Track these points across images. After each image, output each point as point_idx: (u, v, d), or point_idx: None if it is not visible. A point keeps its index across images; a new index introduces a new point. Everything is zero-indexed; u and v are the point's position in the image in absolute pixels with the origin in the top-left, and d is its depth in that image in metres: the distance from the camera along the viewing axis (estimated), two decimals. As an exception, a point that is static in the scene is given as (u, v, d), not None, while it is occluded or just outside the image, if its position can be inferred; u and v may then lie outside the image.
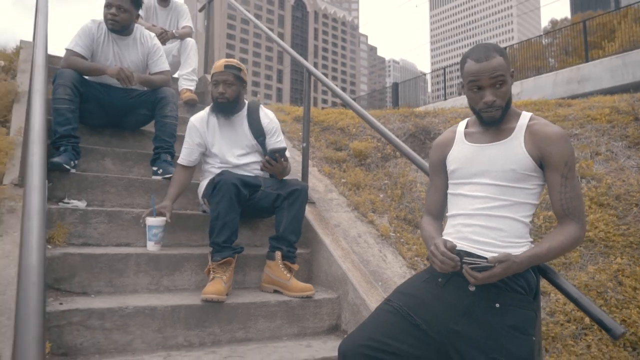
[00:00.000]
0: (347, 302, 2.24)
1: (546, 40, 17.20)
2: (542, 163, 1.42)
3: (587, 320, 2.40)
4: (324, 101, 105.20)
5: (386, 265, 2.91)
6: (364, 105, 24.51)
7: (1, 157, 2.19)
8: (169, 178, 2.70)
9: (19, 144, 2.29)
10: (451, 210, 1.56)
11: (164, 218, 2.29)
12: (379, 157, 4.30)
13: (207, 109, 2.60)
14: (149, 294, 2.09)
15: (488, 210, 1.43)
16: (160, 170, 2.76)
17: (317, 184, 3.75)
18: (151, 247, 2.23)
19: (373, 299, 2.16)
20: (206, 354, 1.86)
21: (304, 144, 2.84)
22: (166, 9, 4.13)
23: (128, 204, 2.60)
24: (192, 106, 3.87)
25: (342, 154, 4.20)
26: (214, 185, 2.23)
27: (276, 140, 2.61)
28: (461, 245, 1.42)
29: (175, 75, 4.05)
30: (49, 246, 2.06)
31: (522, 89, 11.29)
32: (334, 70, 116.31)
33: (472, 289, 1.35)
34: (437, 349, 1.35)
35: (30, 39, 3.83)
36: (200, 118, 2.55)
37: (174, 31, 3.95)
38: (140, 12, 4.04)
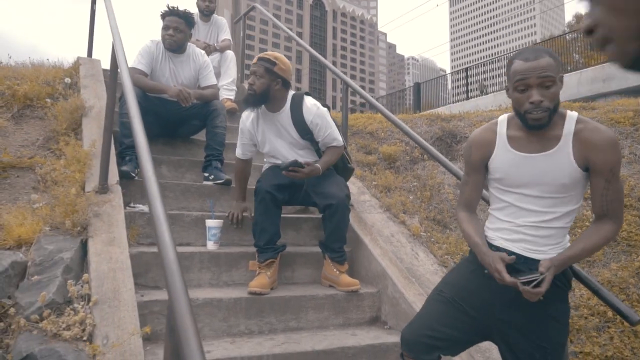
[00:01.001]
0: (387, 295, 2.48)
1: (570, 36, 17.01)
2: (587, 167, 1.43)
3: (610, 313, 2.58)
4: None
5: (419, 262, 3.13)
6: (383, 104, 24.55)
7: (80, 167, 2.49)
8: (220, 183, 2.98)
9: (94, 155, 2.59)
10: (497, 212, 1.58)
11: (222, 220, 2.56)
12: (407, 160, 4.51)
13: (249, 115, 2.65)
14: (211, 288, 2.36)
15: (538, 223, 1.48)
16: (212, 177, 3.04)
17: (350, 186, 3.97)
18: (210, 246, 2.51)
19: (411, 293, 2.39)
20: (265, 340, 2.12)
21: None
22: (207, 23, 4.42)
23: (184, 207, 2.89)
24: (233, 114, 4.15)
25: (372, 157, 4.42)
26: (255, 189, 2.47)
27: (324, 135, 2.52)
28: (507, 246, 1.52)
29: (217, 84, 4.34)
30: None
31: (545, 88, 11.25)
32: (353, 68, 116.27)
33: None
34: (483, 334, 1.56)
35: (84, 54, 4.18)
36: (247, 117, 2.59)
37: (215, 45, 4.24)
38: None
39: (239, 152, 2.72)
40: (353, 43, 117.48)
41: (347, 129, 3.12)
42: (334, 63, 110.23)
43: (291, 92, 2.56)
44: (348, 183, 4.04)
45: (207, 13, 4.35)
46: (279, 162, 2.58)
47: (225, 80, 4.25)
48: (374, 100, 2.96)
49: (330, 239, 2.51)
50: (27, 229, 1.99)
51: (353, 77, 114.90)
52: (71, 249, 1.96)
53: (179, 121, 3.20)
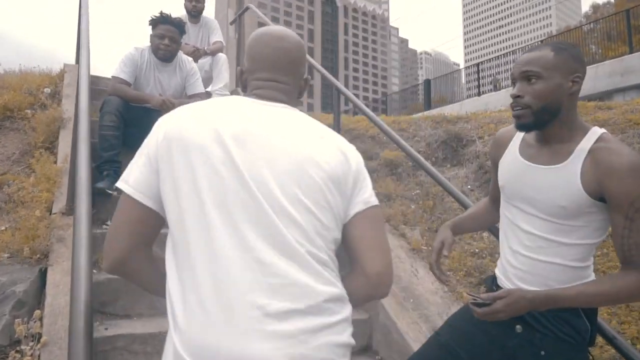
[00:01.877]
0: (378, 323, 2.27)
1: (587, 27, 16.46)
2: (602, 197, 1.17)
3: None
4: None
5: (418, 281, 2.91)
6: (396, 101, 24.24)
7: (50, 186, 2.34)
8: None
9: (66, 172, 2.44)
10: (500, 230, 1.41)
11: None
12: (410, 166, 4.28)
13: None
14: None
15: (534, 253, 1.26)
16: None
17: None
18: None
19: (404, 322, 2.18)
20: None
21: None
22: (197, 25, 4.24)
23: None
24: (225, 121, 3.97)
25: (372, 163, 4.21)
26: None
27: None
28: (504, 286, 1.33)
29: (209, 89, 4.16)
30: (95, 271, 2.19)
31: (560, 83, 10.86)
32: (365, 64, 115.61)
33: (518, 329, 1.25)
34: None
35: (73, 61, 4.04)
36: None
37: (205, 48, 4.06)
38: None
39: None
40: (365, 39, 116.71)
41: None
42: (346, 59, 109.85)
43: None
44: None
45: (194, 14, 4.17)
46: None
47: (217, 85, 4.07)
48: (361, 105, 2.76)
49: None
50: (-20, 259, 1.84)
51: (365, 73, 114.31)
52: (27, 280, 1.81)
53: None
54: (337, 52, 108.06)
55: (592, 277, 1.29)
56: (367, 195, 0.99)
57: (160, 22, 2.93)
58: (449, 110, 8.93)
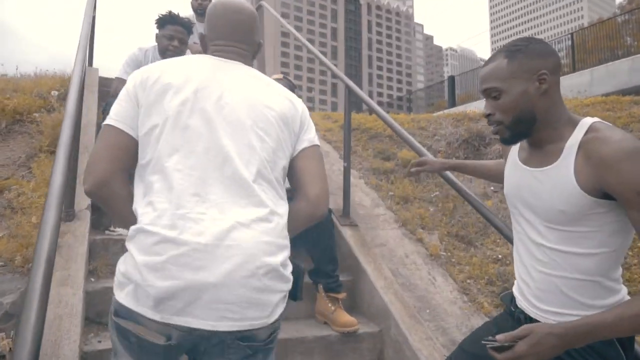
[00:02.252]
0: (390, 337, 2.12)
1: (622, 18, 15.73)
2: (605, 193, 1.02)
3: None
4: (379, 103, 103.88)
5: (435, 289, 2.74)
6: (421, 98, 23.80)
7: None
8: None
9: (66, 176, 2.37)
10: (514, 246, 1.28)
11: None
12: (429, 167, 4.09)
13: None
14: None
15: (548, 268, 1.11)
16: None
17: (364, 198, 3.63)
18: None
19: (416, 337, 2.02)
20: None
21: (345, 164, 2.73)
22: (204, 23, 4.15)
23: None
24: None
25: (390, 164, 4.04)
26: None
27: None
28: (524, 307, 1.19)
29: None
30: (92, 279, 2.11)
31: (592, 78, 10.38)
32: (389, 62, 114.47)
33: None
34: None
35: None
36: None
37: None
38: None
39: None
40: (389, 36, 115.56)
41: (349, 139, 2.76)
42: (370, 57, 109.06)
43: None
44: (361, 194, 3.69)
45: (200, 12, 4.07)
46: None
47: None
48: (370, 102, 2.59)
49: (322, 262, 2.19)
50: (-29, 268, 1.77)
51: (389, 71, 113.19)
52: (16, 291, 1.73)
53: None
54: (360, 50, 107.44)
55: (624, 292, 1.11)
56: (312, 136, 1.19)
57: (169, 22, 2.83)
58: (476, 107, 8.62)
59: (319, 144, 1.20)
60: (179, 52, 2.89)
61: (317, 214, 1.12)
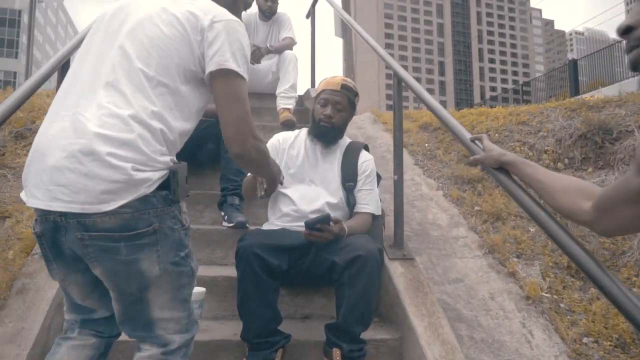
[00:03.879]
0: None
1: None
2: None
3: None
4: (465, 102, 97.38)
5: (531, 351, 1.93)
6: (541, 88, 21.23)
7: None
8: (231, 227, 2.24)
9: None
10: None
11: (202, 290, 1.80)
12: (531, 172, 3.17)
13: (300, 131, 2.11)
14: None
15: None
16: (226, 217, 2.31)
17: (440, 215, 2.88)
18: (185, 328, 1.77)
19: None
20: None
21: (395, 177, 2.06)
22: (267, 22, 3.77)
23: (188, 259, 2.22)
24: (290, 128, 3.39)
25: (476, 170, 3.21)
26: (236, 251, 1.68)
27: (367, 190, 1.98)
28: None
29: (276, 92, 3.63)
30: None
31: None
32: (502, 53, 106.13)
33: None
34: None
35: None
36: (287, 139, 2.06)
37: (268, 45, 3.54)
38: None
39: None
40: (501, 26, 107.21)
41: (400, 143, 2.08)
42: (480, 50, 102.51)
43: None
44: (437, 210, 2.95)
45: (268, 14, 3.71)
46: (290, 209, 1.89)
47: (283, 86, 3.51)
48: (423, 92, 1.88)
49: (350, 317, 1.58)
50: None
51: (503, 62, 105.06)
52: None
53: (194, 145, 2.53)
54: (469, 44, 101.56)
55: None
56: (222, 59, 1.11)
57: None
58: (606, 94, 7.07)
59: (234, 68, 1.12)
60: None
61: (233, 153, 1.16)
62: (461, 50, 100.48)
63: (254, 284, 1.58)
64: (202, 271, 2.06)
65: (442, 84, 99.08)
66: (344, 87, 1.96)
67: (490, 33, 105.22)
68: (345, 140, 2.10)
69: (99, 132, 0.99)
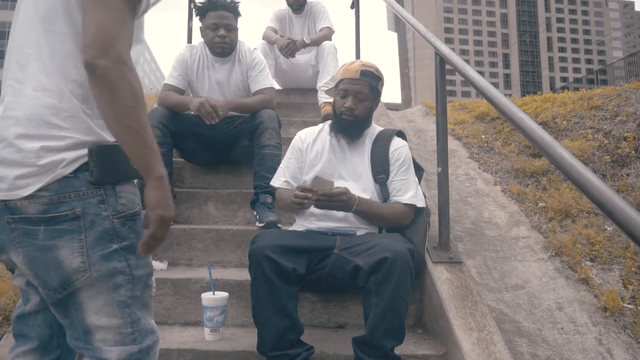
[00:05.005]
0: None
1: None
2: None
3: None
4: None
5: (610, 374, 1.60)
6: (620, 76, 19.49)
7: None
8: (268, 226, 2.09)
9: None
10: None
11: (225, 296, 1.67)
12: (606, 162, 2.76)
13: (324, 124, 1.95)
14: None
15: None
16: (258, 217, 2.18)
17: (497, 213, 2.57)
18: (207, 335, 1.65)
19: None
20: None
21: (439, 169, 1.81)
22: (301, 15, 3.62)
23: (218, 261, 2.12)
24: (332, 122, 3.21)
25: (541, 162, 2.84)
26: (248, 254, 1.53)
27: (401, 179, 1.76)
28: None
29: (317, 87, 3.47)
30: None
31: None
32: (574, 41, 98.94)
33: None
34: None
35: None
36: (308, 135, 1.92)
37: (304, 38, 3.38)
38: (274, 24, 3.67)
39: (275, 179, 1.94)
40: (572, 12, 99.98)
41: (445, 129, 1.83)
42: (549, 39, 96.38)
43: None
44: (494, 207, 2.63)
45: (297, 7, 3.57)
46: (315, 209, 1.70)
47: (323, 79, 3.34)
48: (475, 75, 1.61)
49: (379, 330, 1.37)
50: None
51: (575, 50, 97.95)
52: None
53: (226, 142, 2.44)
54: (536, 34, 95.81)
55: None
56: None
57: (209, 9, 2.36)
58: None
59: None
60: (230, 42, 2.39)
61: (83, 60, 0.88)
62: (527, 41, 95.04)
63: (267, 289, 1.43)
64: (230, 275, 1.96)
65: (507, 77, 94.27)
66: (364, 73, 1.77)
67: (560, 20, 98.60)
68: (375, 129, 1.89)
69: (10, 115, 0.93)
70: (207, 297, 1.65)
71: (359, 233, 1.64)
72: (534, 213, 2.50)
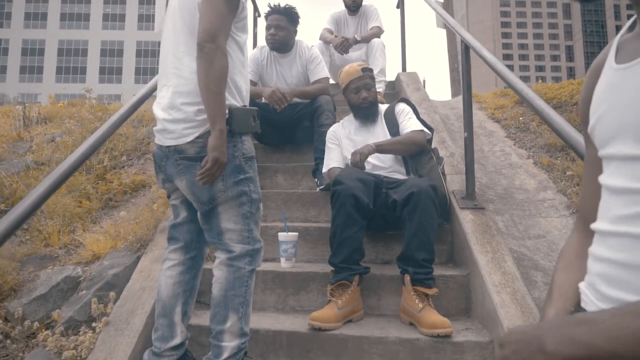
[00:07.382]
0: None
1: None
2: None
3: None
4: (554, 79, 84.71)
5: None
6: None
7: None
8: (321, 189, 2.61)
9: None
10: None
11: (295, 234, 2.18)
12: None
13: (342, 120, 2.55)
14: (276, 313, 2.01)
15: (634, 225, 0.61)
16: (318, 182, 2.69)
17: (528, 180, 2.91)
18: (283, 263, 2.16)
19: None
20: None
21: (465, 134, 2.22)
22: (355, 16, 4.10)
23: (287, 217, 2.64)
24: (380, 109, 3.66)
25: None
26: (331, 194, 1.99)
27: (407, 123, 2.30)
28: (590, 303, 0.68)
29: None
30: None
31: None
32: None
33: None
34: None
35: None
36: (337, 129, 2.54)
37: (355, 36, 3.86)
38: (331, 25, 4.17)
39: (326, 165, 2.47)
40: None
41: (469, 101, 2.24)
42: (618, 28, 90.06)
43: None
44: (525, 176, 2.97)
45: (354, 8, 4.03)
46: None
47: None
48: (497, 62, 2.02)
49: (412, 244, 1.81)
50: (101, 246, 2.12)
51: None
52: (122, 265, 1.98)
53: (291, 125, 2.98)
54: (603, 22, 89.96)
55: None
56: None
57: (267, 14, 2.97)
58: None
59: None
60: (278, 39, 2.92)
61: (197, 41, 1.40)
62: (593, 31, 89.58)
63: (347, 220, 1.88)
64: (299, 224, 2.47)
65: (570, 70, 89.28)
66: (363, 70, 2.38)
67: (630, 7, 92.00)
68: (383, 107, 2.47)
69: (173, 93, 1.49)
70: (282, 234, 2.18)
71: (395, 176, 2.11)
72: (560, 180, 2.82)
